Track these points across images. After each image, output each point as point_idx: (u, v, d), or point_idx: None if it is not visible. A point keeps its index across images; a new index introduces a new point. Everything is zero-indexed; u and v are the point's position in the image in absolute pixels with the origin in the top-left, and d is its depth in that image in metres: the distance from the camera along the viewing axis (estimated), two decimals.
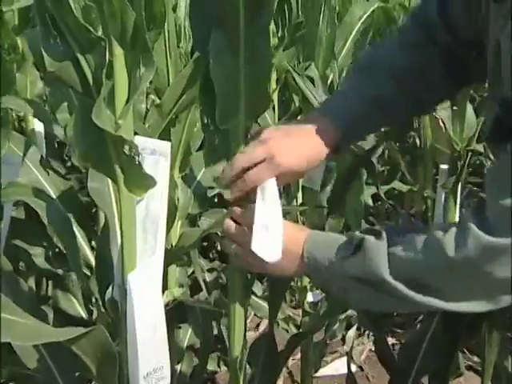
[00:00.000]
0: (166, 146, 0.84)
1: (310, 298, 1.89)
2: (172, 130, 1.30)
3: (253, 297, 1.95)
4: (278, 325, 2.05)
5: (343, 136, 0.89)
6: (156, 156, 0.83)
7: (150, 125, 1.19)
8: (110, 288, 0.88)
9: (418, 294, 0.74)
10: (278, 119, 2.19)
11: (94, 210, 1.85)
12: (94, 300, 1.57)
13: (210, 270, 2.15)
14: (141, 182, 0.80)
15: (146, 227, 0.84)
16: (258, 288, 2.06)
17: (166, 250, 0.85)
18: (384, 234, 0.78)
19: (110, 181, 0.94)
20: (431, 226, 0.77)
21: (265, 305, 1.98)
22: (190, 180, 1.47)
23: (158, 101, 1.23)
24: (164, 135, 1.19)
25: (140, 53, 0.75)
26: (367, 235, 0.79)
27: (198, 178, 1.54)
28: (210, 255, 2.59)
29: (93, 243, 1.74)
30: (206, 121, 0.93)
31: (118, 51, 0.75)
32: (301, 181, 1.80)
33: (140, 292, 0.82)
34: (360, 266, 0.78)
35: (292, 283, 1.96)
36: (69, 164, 2.00)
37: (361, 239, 0.79)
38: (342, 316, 1.90)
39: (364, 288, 0.78)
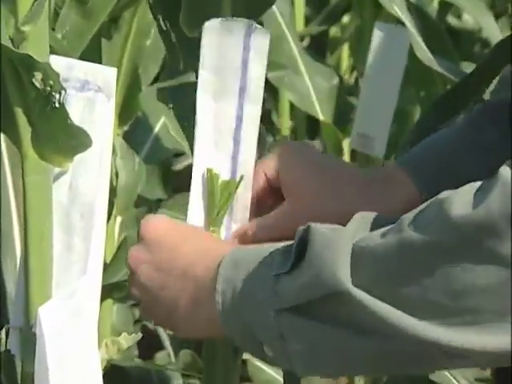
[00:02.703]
0: (108, 74, 0.88)
1: None
2: (105, 43, 1.32)
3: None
4: None
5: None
6: (90, 92, 0.86)
7: (65, 35, 1.22)
8: (3, 334, 0.92)
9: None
10: (306, 23, 2.20)
11: None
12: None
13: None
14: (64, 140, 0.83)
15: (72, 225, 0.87)
16: None
17: None
18: (354, 221, 0.82)
19: (3, 138, 0.97)
20: None
21: (272, 373, 2.02)
22: (138, 139, 1.49)
23: None
24: (90, 54, 1.21)
25: None
26: (316, 227, 0.82)
27: (155, 132, 1.52)
28: None
29: None
30: (162, 26, 0.97)
31: None
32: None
33: (59, 340, 0.85)
34: (304, 283, 0.80)
35: None
36: None
37: (304, 232, 0.82)
38: None
39: (310, 324, 0.80)
